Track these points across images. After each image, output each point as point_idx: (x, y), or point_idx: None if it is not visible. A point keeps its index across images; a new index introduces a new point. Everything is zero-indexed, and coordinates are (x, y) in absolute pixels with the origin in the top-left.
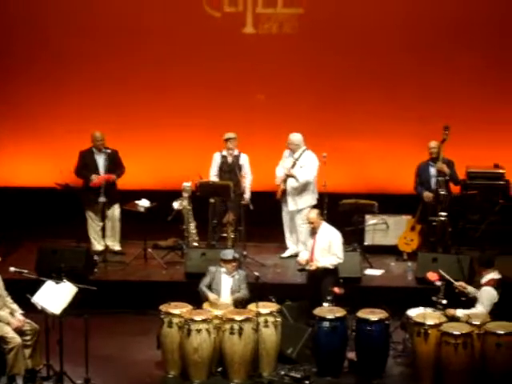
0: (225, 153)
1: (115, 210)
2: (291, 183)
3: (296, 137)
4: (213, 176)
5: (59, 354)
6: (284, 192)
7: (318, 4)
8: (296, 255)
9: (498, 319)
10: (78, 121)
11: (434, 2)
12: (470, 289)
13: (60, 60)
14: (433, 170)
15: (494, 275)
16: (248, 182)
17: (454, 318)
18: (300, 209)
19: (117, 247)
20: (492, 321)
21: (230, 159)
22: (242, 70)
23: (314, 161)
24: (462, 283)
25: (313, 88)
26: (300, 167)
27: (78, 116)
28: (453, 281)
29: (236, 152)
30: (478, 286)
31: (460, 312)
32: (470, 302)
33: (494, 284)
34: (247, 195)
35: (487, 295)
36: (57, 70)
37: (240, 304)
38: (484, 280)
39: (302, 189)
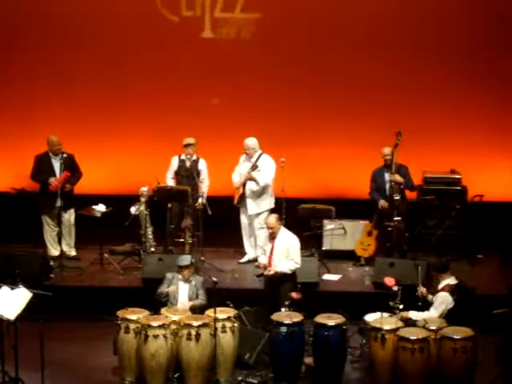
0: (183, 157)
1: (71, 215)
2: (251, 186)
3: (252, 141)
4: (169, 179)
5: (14, 360)
6: (242, 197)
7: (275, 9)
8: (254, 260)
9: (454, 324)
10: (33, 125)
11: (385, 9)
12: (430, 297)
13: (13, 64)
14: (387, 176)
15: (450, 281)
16: (205, 187)
17: (408, 322)
18: (259, 213)
19: (73, 253)
20: (448, 326)
21: (188, 164)
22: (199, 74)
23: (272, 164)
24: (422, 288)
25: (270, 93)
26: (258, 171)
27: (33, 120)
28: (420, 283)
29: (194, 157)
30: (434, 292)
31: (413, 314)
32: (426, 306)
33: (450, 290)
34: (203, 200)
35: (442, 300)
36: (9, 74)
37: (198, 310)
38: (440, 286)
39: (261, 192)
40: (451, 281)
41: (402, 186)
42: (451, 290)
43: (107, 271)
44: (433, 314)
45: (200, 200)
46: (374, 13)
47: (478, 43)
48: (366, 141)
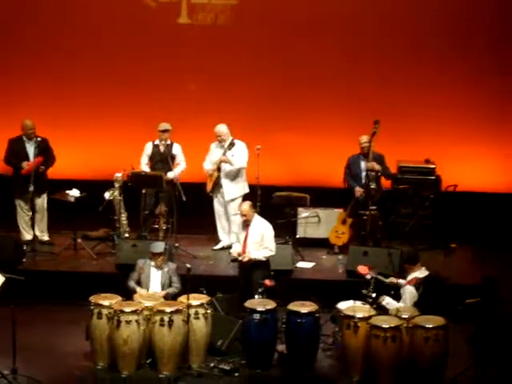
0: (157, 142)
1: (44, 200)
2: (226, 168)
3: (223, 127)
4: (143, 165)
5: None
6: (215, 184)
7: None
8: (229, 247)
9: (426, 313)
10: (6, 108)
11: None
12: (401, 281)
13: None
14: (363, 164)
15: (418, 273)
16: (180, 168)
17: (382, 310)
18: (233, 198)
19: (45, 237)
20: (420, 314)
21: (162, 148)
22: (176, 59)
23: (244, 148)
24: (392, 278)
25: (246, 80)
26: (232, 156)
27: (6, 103)
28: (383, 279)
29: (168, 142)
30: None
31: (388, 301)
32: (398, 294)
33: (416, 283)
34: (174, 176)
35: (409, 295)
36: None
37: (171, 297)
38: (408, 277)
39: (236, 175)
40: (420, 273)
41: (379, 174)
42: (417, 283)
43: (80, 256)
44: (402, 304)
45: (170, 174)
46: (356, 4)
47: (451, 33)
48: (342, 129)
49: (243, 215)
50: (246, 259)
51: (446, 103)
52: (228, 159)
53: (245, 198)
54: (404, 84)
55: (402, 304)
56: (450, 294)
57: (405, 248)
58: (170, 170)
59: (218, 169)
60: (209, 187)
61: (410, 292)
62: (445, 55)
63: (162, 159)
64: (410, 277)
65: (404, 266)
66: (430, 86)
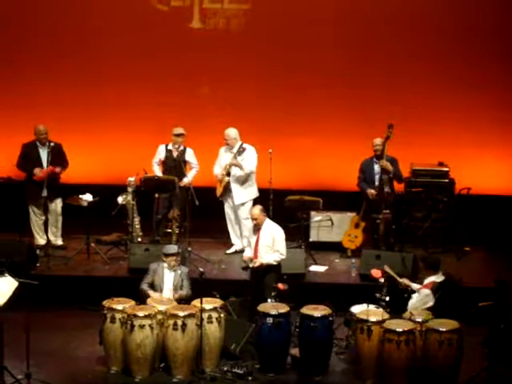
0: (170, 147)
1: (57, 205)
2: (236, 173)
3: (233, 131)
4: (155, 166)
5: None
6: (226, 188)
7: (264, 0)
8: (241, 251)
9: (439, 316)
10: (21, 114)
11: (378, 3)
12: (414, 286)
13: (1, 54)
14: (377, 167)
15: (435, 278)
16: (193, 172)
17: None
18: (243, 202)
19: (59, 242)
20: (434, 318)
21: (175, 154)
22: (188, 64)
23: (254, 153)
24: (405, 280)
25: (259, 84)
26: (241, 160)
27: (20, 109)
28: (397, 277)
29: (182, 147)
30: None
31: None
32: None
33: (433, 287)
34: (188, 181)
35: (425, 298)
36: None
37: (183, 301)
38: (426, 281)
39: (245, 180)
40: (437, 278)
41: (390, 175)
42: (434, 288)
43: (93, 261)
44: (414, 302)
45: (185, 180)
46: (366, 7)
47: (464, 35)
48: (354, 133)
49: (254, 219)
50: (257, 264)
51: (460, 106)
52: (238, 163)
53: (257, 201)
54: (417, 87)
55: (415, 300)
56: (464, 297)
57: (418, 251)
58: (184, 175)
59: (228, 173)
60: (219, 192)
61: (426, 295)
62: (458, 58)
63: (176, 165)
64: (427, 281)
65: (423, 268)
66: (443, 89)
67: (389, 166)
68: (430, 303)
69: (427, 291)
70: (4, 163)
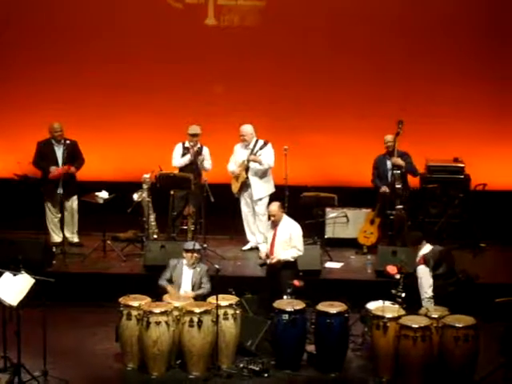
0: (187, 145)
1: (73, 202)
2: (256, 167)
3: (248, 127)
4: (177, 160)
5: (17, 346)
6: (243, 184)
7: None
8: (257, 248)
9: (456, 312)
10: (36, 111)
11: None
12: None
13: (16, 51)
14: (389, 164)
15: (424, 250)
16: (207, 168)
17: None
18: (261, 197)
19: (75, 239)
20: (450, 314)
21: (191, 152)
22: (203, 61)
23: (271, 148)
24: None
25: (274, 81)
26: (259, 155)
27: (35, 107)
28: (410, 271)
29: (198, 145)
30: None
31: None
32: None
33: (424, 260)
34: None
35: (423, 275)
36: (14, 62)
37: (200, 298)
38: (417, 259)
39: (263, 175)
40: (425, 249)
41: (403, 170)
42: (425, 259)
43: (110, 258)
44: (425, 289)
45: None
46: (382, 6)
47: (480, 33)
48: (370, 129)
49: (272, 215)
50: (274, 261)
51: (475, 102)
52: (257, 158)
53: (273, 197)
54: (430, 83)
55: (419, 282)
56: (480, 293)
57: (407, 233)
58: (199, 174)
59: (246, 169)
60: (236, 188)
61: (423, 272)
62: (471, 54)
63: (192, 162)
64: (418, 257)
65: (411, 248)
66: (459, 85)
67: (399, 162)
68: (431, 273)
69: (421, 266)
70: (20, 161)
